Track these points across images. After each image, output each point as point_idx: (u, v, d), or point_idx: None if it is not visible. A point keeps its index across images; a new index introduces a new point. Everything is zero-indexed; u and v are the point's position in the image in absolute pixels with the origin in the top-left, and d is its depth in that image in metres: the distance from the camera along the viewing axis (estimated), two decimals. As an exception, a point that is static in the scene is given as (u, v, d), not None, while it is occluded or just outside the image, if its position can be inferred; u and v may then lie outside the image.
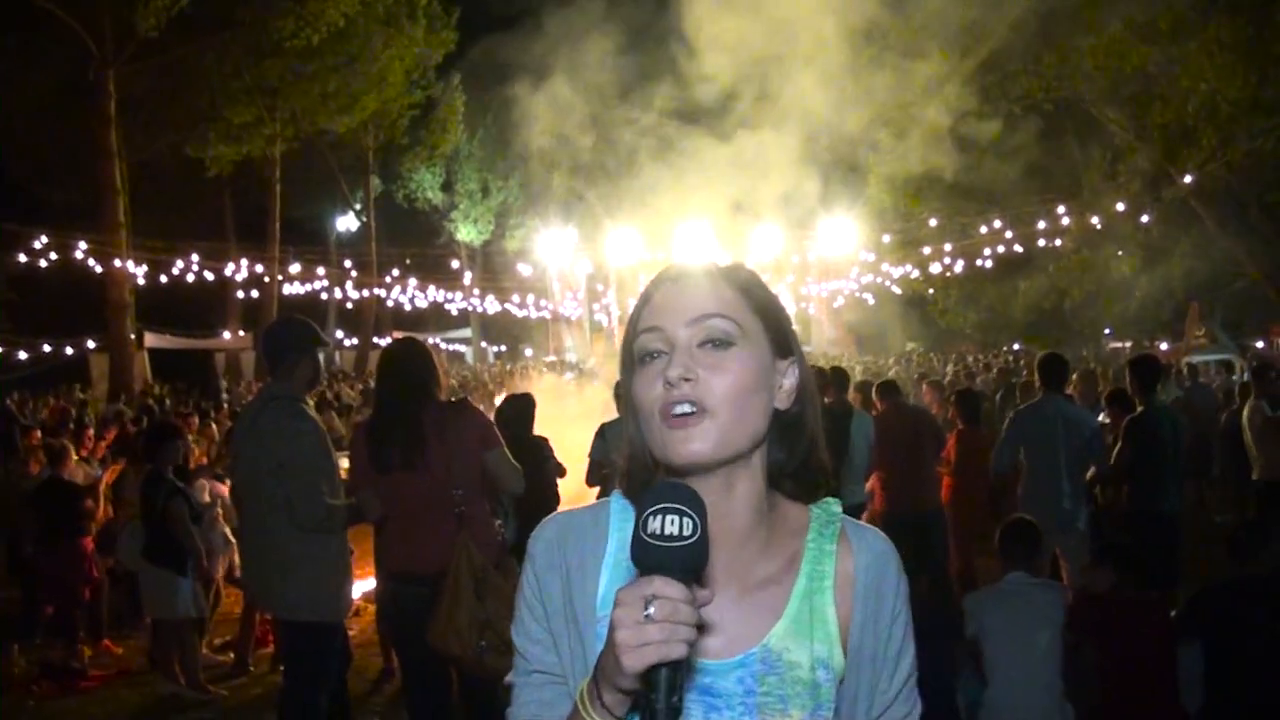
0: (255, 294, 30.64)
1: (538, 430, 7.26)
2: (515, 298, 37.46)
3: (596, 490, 6.99)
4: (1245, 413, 10.31)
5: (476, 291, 38.02)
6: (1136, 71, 19.05)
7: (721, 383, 1.30)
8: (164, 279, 25.04)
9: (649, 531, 1.12)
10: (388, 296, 34.58)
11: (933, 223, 25.86)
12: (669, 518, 1.12)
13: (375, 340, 33.99)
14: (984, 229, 24.29)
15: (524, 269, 34.41)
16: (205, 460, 9.26)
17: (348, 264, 34.10)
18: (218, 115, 24.29)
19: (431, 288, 35.03)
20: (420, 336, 7.33)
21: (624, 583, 1.17)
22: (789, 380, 1.40)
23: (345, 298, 33.91)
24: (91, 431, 11.09)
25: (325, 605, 4.47)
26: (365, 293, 33.43)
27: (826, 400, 7.53)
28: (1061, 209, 22.33)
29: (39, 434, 10.18)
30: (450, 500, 4.19)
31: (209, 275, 26.82)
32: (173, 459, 6.84)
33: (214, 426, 11.61)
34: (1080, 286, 24.75)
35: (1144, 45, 18.56)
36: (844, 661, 1.36)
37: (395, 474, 4.23)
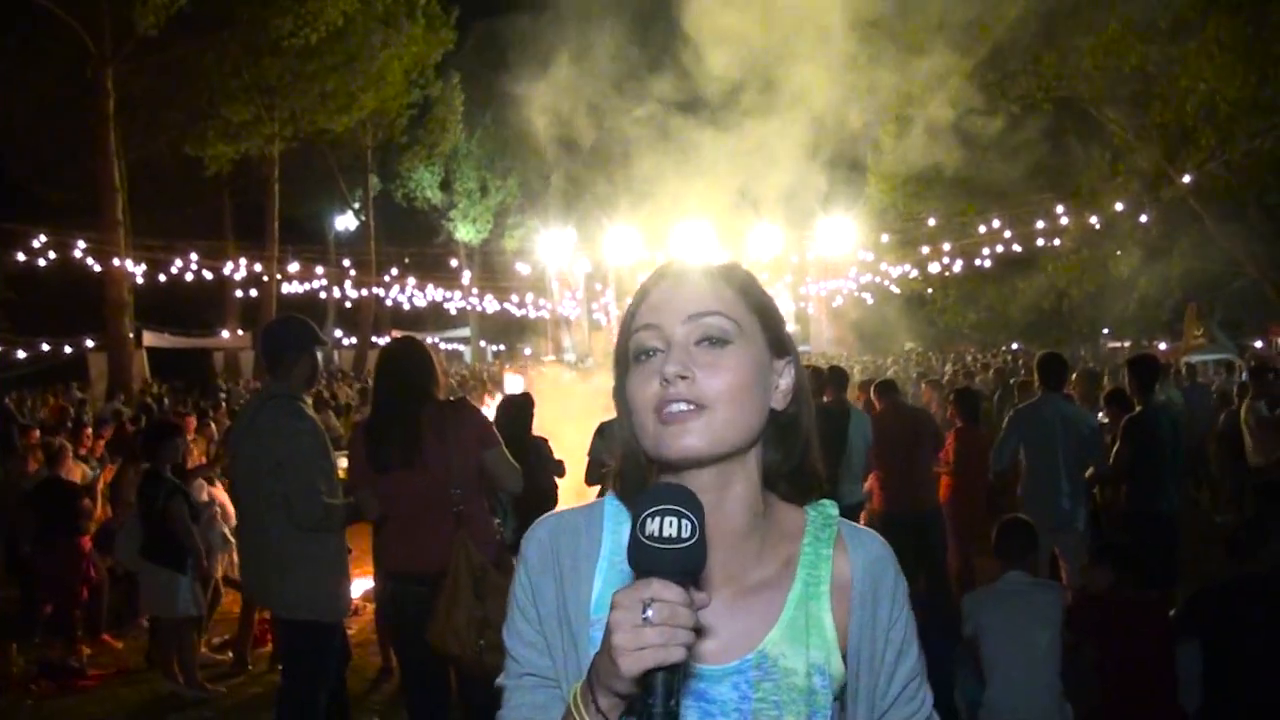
0: (254, 293, 30.65)
1: (538, 428, 7.26)
2: (514, 297, 37.48)
3: (596, 489, 6.98)
4: (1242, 413, 10.34)
5: (475, 291, 38.03)
6: (1135, 71, 19.07)
7: (719, 381, 1.28)
8: (162, 278, 25.06)
9: (647, 533, 1.11)
10: (386, 295, 34.59)
11: (931, 222, 25.89)
12: (667, 519, 1.11)
13: (374, 339, 34.01)
14: (983, 228, 24.30)
15: (522, 268, 34.44)
16: (204, 459, 9.25)
17: (346, 263, 34.12)
18: (216, 114, 24.29)
19: (430, 287, 35.05)
20: (419, 335, 7.34)
21: (618, 585, 1.16)
22: (785, 380, 1.39)
23: (344, 297, 33.93)
24: (90, 431, 11.08)
25: (323, 604, 4.47)
26: (364, 292, 33.44)
27: (825, 400, 7.53)
28: (1060, 208, 22.35)
29: (37, 433, 10.18)
30: (449, 499, 4.19)
31: (207, 274, 26.84)
32: (171, 458, 6.85)
33: (212, 425, 11.60)
34: (1079, 286, 24.77)
35: (1143, 45, 18.58)
36: (843, 667, 1.34)
37: (394, 473, 4.23)
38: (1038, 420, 6.83)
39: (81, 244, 21.09)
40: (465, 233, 40.32)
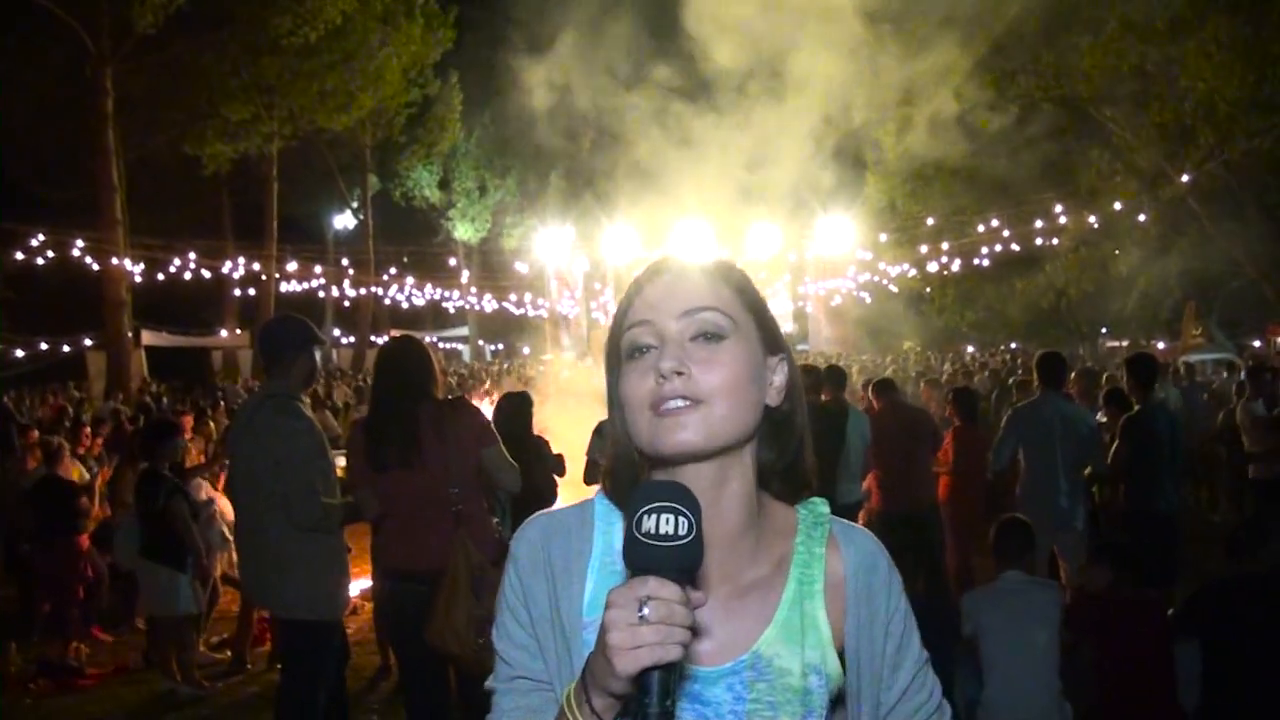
0: (252, 292, 30.68)
1: (538, 426, 7.27)
2: (512, 296, 37.48)
3: (595, 488, 6.97)
4: (1238, 413, 10.35)
5: (474, 290, 38.03)
6: (1134, 71, 19.07)
7: (714, 377, 1.27)
8: (161, 277, 25.06)
9: (643, 530, 1.09)
10: (385, 295, 34.61)
11: (930, 221, 25.90)
12: (664, 516, 1.09)
13: (372, 338, 34.01)
14: (981, 228, 24.31)
15: (521, 267, 34.44)
16: (202, 458, 9.25)
17: (345, 262, 34.13)
18: (215, 113, 24.27)
19: (429, 286, 35.06)
20: (417, 335, 7.32)
21: (610, 586, 1.13)
22: (779, 377, 1.38)
23: (342, 296, 33.94)
24: (88, 430, 11.07)
25: (322, 603, 4.46)
26: (362, 291, 33.44)
27: (823, 399, 7.53)
28: (1059, 208, 22.36)
29: (36, 433, 10.16)
30: (447, 498, 4.19)
31: (206, 273, 26.84)
32: (170, 457, 6.84)
33: (211, 424, 11.59)
34: (1078, 285, 24.78)
35: (1142, 44, 18.57)
36: (839, 666, 1.34)
37: (392, 472, 4.23)
38: (1036, 419, 6.83)
39: (80, 243, 21.07)
40: (464, 232, 40.31)
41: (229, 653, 7.38)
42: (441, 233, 40.37)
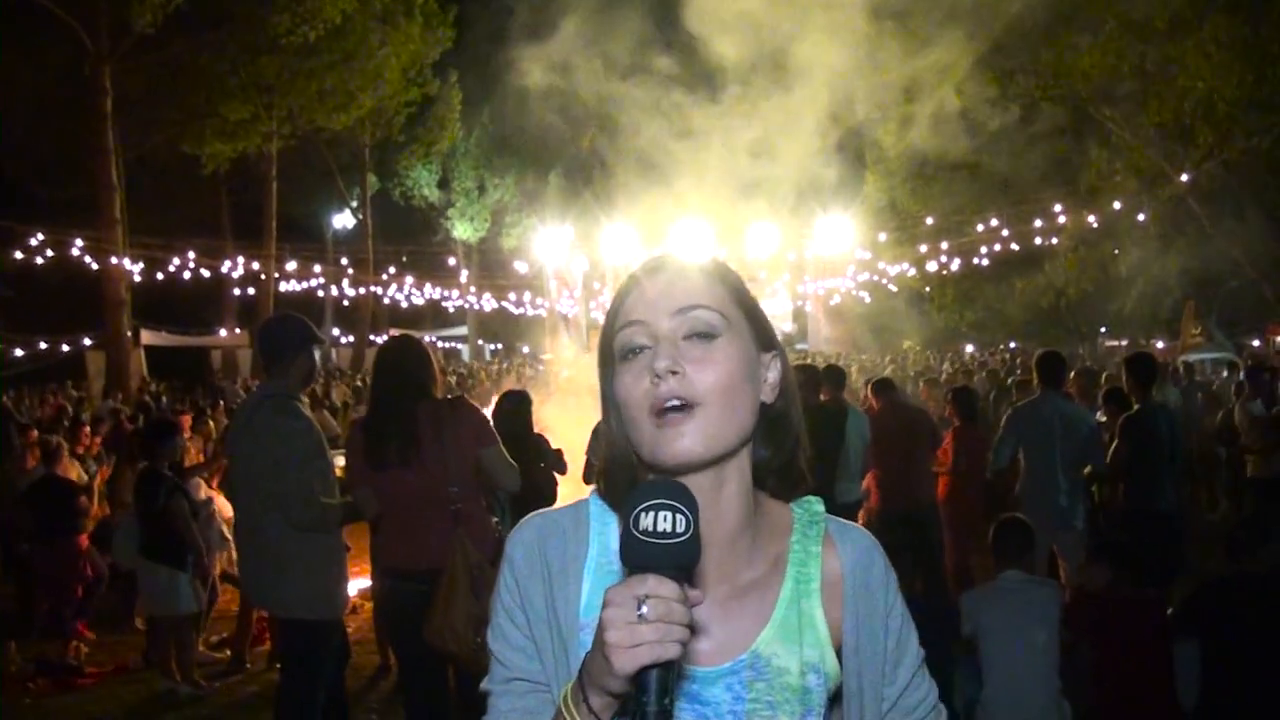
0: (251, 291, 30.67)
1: (539, 425, 7.27)
2: (512, 295, 37.47)
3: (593, 488, 6.96)
4: (1236, 413, 10.36)
5: (473, 289, 38.03)
6: (1134, 70, 19.08)
7: (710, 376, 1.26)
8: (160, 276, 25.06)
9: (640, 528, 1.09)
10: (384, 294, 34.61)
11: (930, 221, 25.89)
12: (661, 514, 1.09)
13: (372, 338, 34.00)
14: (981, 227, 24.31)
15: (520, 267, 34.42)
16: (200, 457, 9.25)
17: (344, 261, 34.16)
18: (214, 112, 24.25)
19: (428, 285, 35.07)
20: (416, 334, 7.32)
21: (607, 587, 1.13)
22: (773, 374, 1.37)
23: (342, 295, 33.95)
24: (87, 429, 11.07)
25: (321, 603, 4.46)
26: (362, 290, 33.45)
27: (822, 399, 7.52)
28: (1059, 207, 22.36)
29: (36, 432, 10.17)
30: (447, 497, 4.19)
31: (205, 272, 26.85)
32: (170, 456, 6.84)
33: (211, 423, 11.59)
34: (1077, 285, 24.78)
35: (1141, 44, 18.58)
36: (837, 664, 1.34)
37: (391, 471, 4.23)
38: (1036, 418, 6.83)
39: (79, 242, 21.06)
40: (463, 231, 40.29)
41: (228, 652, 7.39)
42: (441, 232, 40.35)
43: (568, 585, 1.33)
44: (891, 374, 16.18)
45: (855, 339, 37.24)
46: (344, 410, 16.96)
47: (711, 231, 23.24)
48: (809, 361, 12.34)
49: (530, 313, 38.06)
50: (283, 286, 30.57)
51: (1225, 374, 17.52)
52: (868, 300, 34.70)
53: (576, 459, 7.29)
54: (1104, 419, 8.38)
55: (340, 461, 5.10)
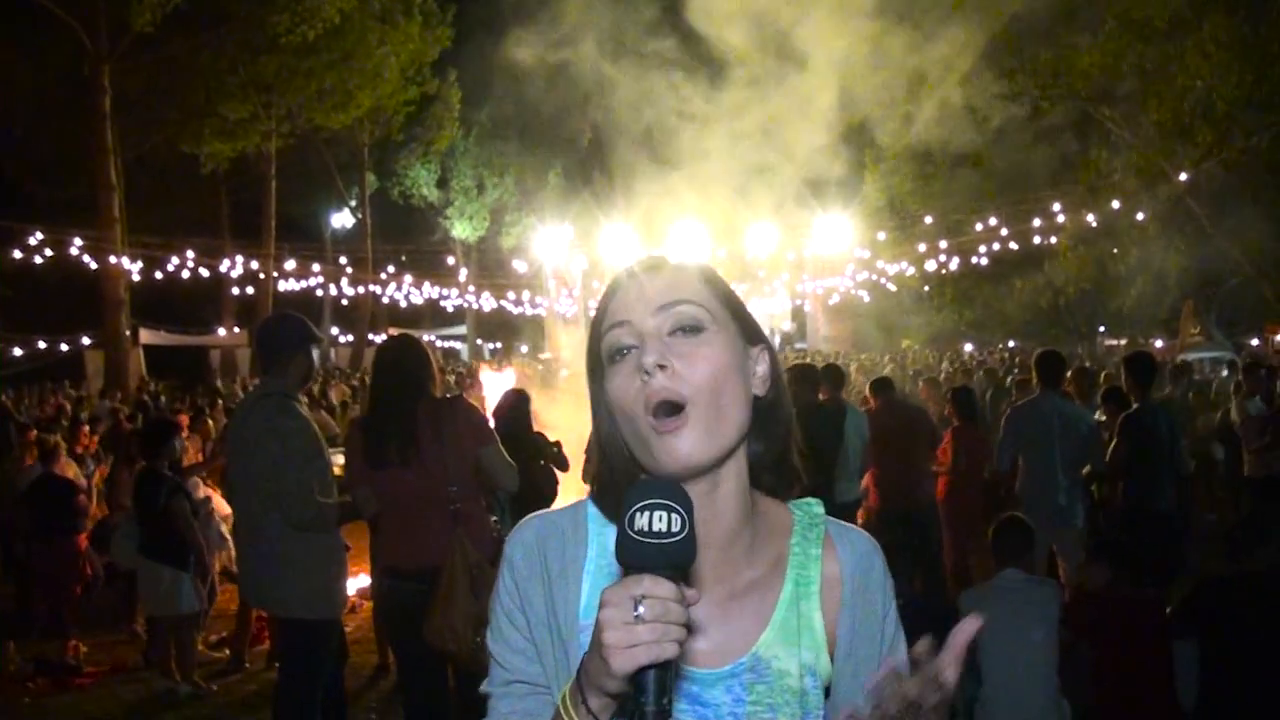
0: (250, 290, 30.69)
1: (539, 425, 7.28)
2: (510, 295, 37.47)
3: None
4: (1233, 411, 10.36)
5: (472, 288, 38.03)
6: (1133, 69, 19.07)
7: (699, 369, 1.26)
8: (159, 275, 25.06)
9: (636, 528, 1.09)
10: (383, 293, 34.61)
11: (929, 220, 25.90)
12: (656, 514, 1.09)
13: (370, 337, 33.99)
14: (980, 226, 24.31)
15: (519, 266, 34.42)
16: (200, 457, 9.25)
17: (343, 260, 34.16)
18: (213, 111, 24.25)
19: (427, 284, 35.06)
20: (415, 333, 7.33)
21: (603, 587, 1.13)
22: (762, 366, 1.37)
23: (340, 294, 33.95)
24: (86, 429, 11.07)
25: (320, 602, 4.46)
26: (360, 289, 33.45)
27: (821, 398, 7.52)
28: (1058, 206, 22.36)
29: (35, 432, 10.16)
30: (446, 497, 4.19)
31: (204, 272, 26.85)
32: (170, 456, 6.84)
33: (210, 423, 11.58)
34: (1076, 284, 24.78)
35: (1140, 44, 18.57)
36: (830, 667, 1.34)
37: (391, 470, 4.23)
38: (1035, 418, 6.83)
39: (78, 241, 21.06)
40: (462, 230, 40.26)
41: (227, 651, 7.39)
42: (440, 231, 40.32)
43: (567, 587, 1.33)
44: (891, 373, 16.18)
45: (854, 338, 37.27)
46: (342, 410, 16.95)
47: (710, 230, 23.24)
48: (808, 361, 12.33)
49: (529, 312, 38.08)
50: (281, 286, 30.58)
51: (1225, 373, 17.52)
52: (867, 299, 34.72)
53: (576, 458, 7.29)
54: (1103, 418, 8.39)
55: (339, 461, 5.10)
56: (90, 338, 26.53)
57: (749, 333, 1.37)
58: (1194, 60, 17.64)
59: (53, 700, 6.75)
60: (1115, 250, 23.42)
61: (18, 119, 23.88)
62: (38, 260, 21.42)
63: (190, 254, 25.70)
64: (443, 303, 38.38)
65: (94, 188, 21.69)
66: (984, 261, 25.94)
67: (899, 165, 26.90)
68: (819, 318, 38.78)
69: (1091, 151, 21.59)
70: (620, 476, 1.34)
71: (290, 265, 30.60)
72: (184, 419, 10.56)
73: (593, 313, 1.40)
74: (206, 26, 22.68)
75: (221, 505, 7.41)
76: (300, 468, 4.33)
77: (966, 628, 1.23)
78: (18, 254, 21.24)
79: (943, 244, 26.03)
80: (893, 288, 31.50)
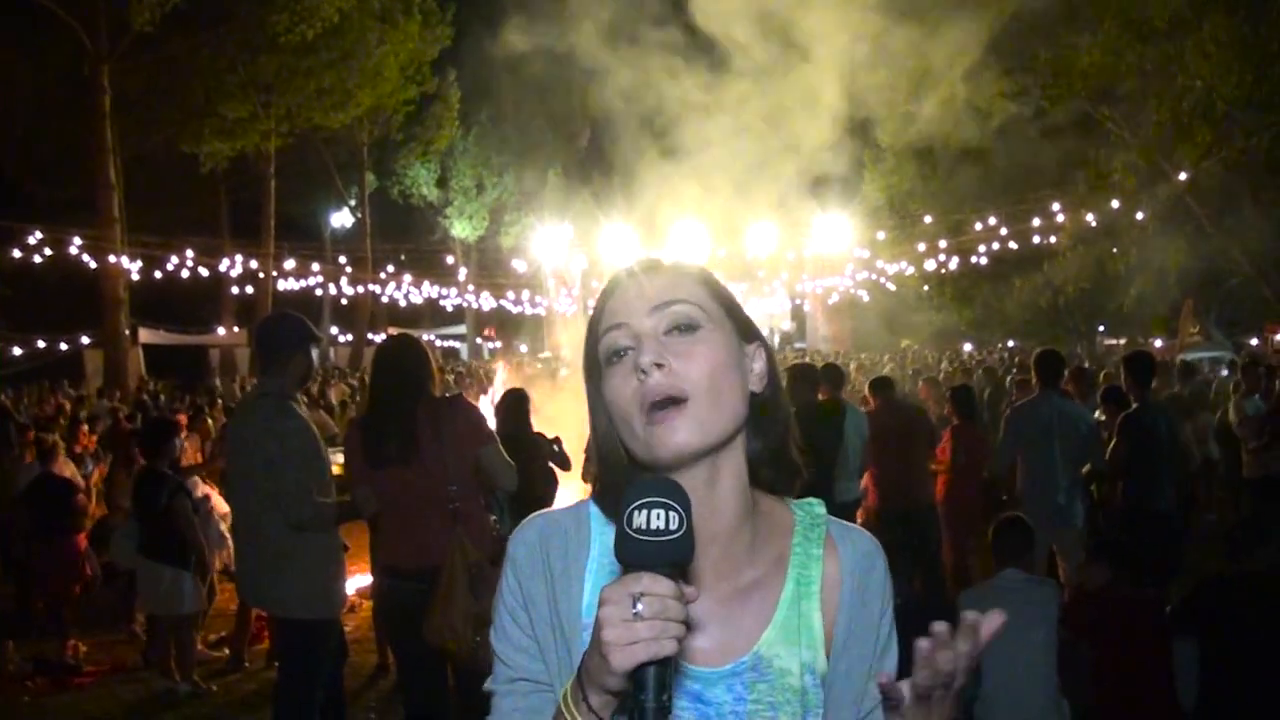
0: (250, 290, 30.70)
1: (542, 426, 7.29)
2: (510, 294, 37.48)
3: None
4: (1230, 411, 10.36)
5: (471, 288, 38.04)
6: (1133, 69, 19.08)
7: (695, 368, 1.27)
8: (158, 275, 25.07)
9: (634, 526, 1.10)
10: (383, 292, 34.63)
11: (928, 219, 25.90)
12: (654, 512, 1.10)
13: (370, 336, 34.00)
14: (979, 226, 24.32)
15: (519, 265, 34.43)
16: (198, 456, 9.25)
17: (342, 260, 34.17)
18: (212, 111, 24.25)
19: (426, 284, 35.08)
20: (415, 332, 7.34)
21: (602, 585, 1.14)
22: (758, 364, 1.38)
23: (340, 294, 33.95)
24: (85, 428, 11.08)
25: (319, 602, 4.46)
26: (360, 289, 33.46)
27: (821, 398, 7.51)
28: (1057, 205, 22.37)
29: (32, 431, 10.16)
30: (445, 496, 4.19)
31: (203, 271, 26.86)
32: (170, 455, 6.83)
33: (209, 422, 11.58)
34: (1075, 284, 24.80)
35: (1140, 43, 18.58)
36: (827, 665, 1.34)
37: (390, 469, 4.23)
38: (1035, 417, 6.83)
39: (77, 241, 21.06)
40: (461, 230, 40.27)
41: (227, 651, 7.38)
42: (439, 230, 40.33)
43: (570, 585, 1.34)
44: (890, 372, 16.17)
45: (854, 337, 37.27)
46: (341, 409, 16.95)
47: (710, 230, 23.24)
48: (807, 360, 12.32)
49: (529, 311, 38.09)
50: (281, 285, 30.59)
51: (1225, 373, 17.52)
52: (866, 299, 34.72)
53: (576, 456, 7.30)
54: (1103, 418, 8.39)
55: (338, 460, 5.10)
56: (90, 337, 26.53)
57: (745, 330, 1.39)
58: (1194, 60, 17.66)
59: (52, 700, 6.75)
60: (1115, 250, 23.42)
61: (18, 118, 23.89)
62: (37, 259, 21.43)
63: (189, 253, 25.70)
64: (442, 302, 38.40)
65: (93, 187, 21.70)
66: (983, 261, 25.95)
67: (899, 165, 26.93)
68: (818, 317, 38.80)
69: (1091, 151, 21.60)
70: (619, 476, 1.34)
71: (289, 265, 30.62)
72: (183, 418, 10.57)
73: (591, 313, 1.41)
74: (206, 26, 22.68)
75: (220, 503, 7.40)
76: (298, 467, 4.33)
77: (993, 622, 1.22)
78: (17, 253, 21.24)
79: (942, 243, 26.04)
80: (892, 287, 31.51)
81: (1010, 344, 33.23)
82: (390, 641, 5.46)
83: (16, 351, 26.48)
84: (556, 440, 7.33)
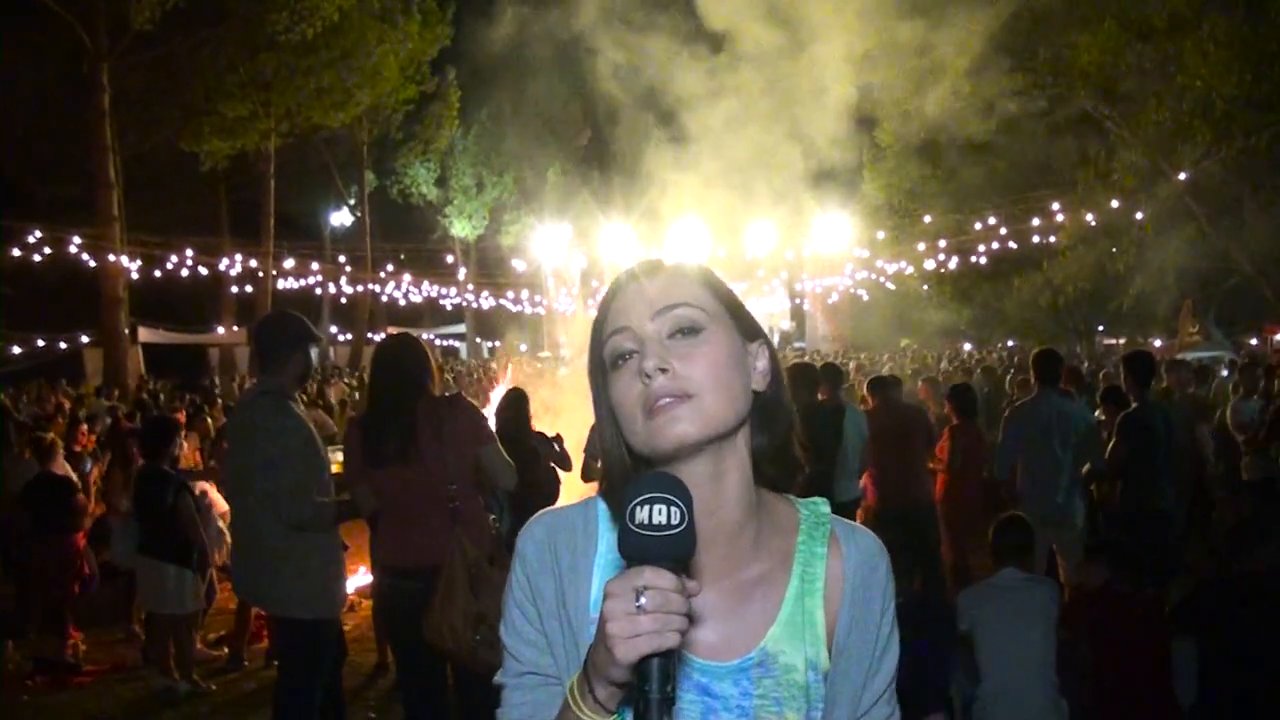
0: (249, 289, 30.72)
1: (543, 425, 7.29)
2: (510, 293, 37.49)
3: (594, 485, 6.96)
4: (1228, 411, 10.35)
5: (471, 287, 38.04)
6: (1132, 68, 19.08)
7: (698, 369, 1.29)
8: (158, 274, 25.10)
9: (636, 522, 1.12)
10: (382, 292, 34.65)
11: (927, 219, 25.90)
12: (656, 507, 1.12)
13: (369, 335, 34.01)
14: (978, 225, 24.31)
15: (518, 264, 34.44)
16: (197, 455, 9.25)
17: (342, 259, 34.18)
18: (212, 110, 24.23)
19: (426, 283, 35.09)
20: (414, 332, 7.32)
21: (606, 580, 1.16)
22: (761, 362, 1.40)
23: (339, 293, 33.97)
24: (84, 428, 11.07)
25: (318, 601, 4.46)
26: (359, 288, 33.48)
27: (820, 397, 7.52)
28: (1056, 205, 22.37)
29: (32, 430, 10.16)
30: (445, 495, 4.19)
31: (203, 270, 26.89)
32: (171, 455, 6.83)
33: (209, 421, 11.58)
34: (1075, 283, 24.79)
35: (1139, 42, 18.58)
36: (829, 661, 1.36)
37: (390, 468, 4.23)
38: (1034, 417, 6.82)
39: (77, 239, 21.08)
40: (461, 229, 40.29)
41: (226, 650, 7.38)
42: (439, 230, 40.34)
43: (578, 580, 1.37)
44: (889, 372, 16.17)
45: (853, 337, 37.26)
46: (340, 408, 16.95)
47: (709, 230, 23.24)
48: (806, 360, 12.32)
49: (529, 310, 38.09)
50: (280, 284, 30.60)
51: (1225, 372, 17.53)
52: (865, 298, 34.72)
53: (576, 454, 7.30)
54: (1102, 417, 8.38)
55: (337, 459, 5.10)
56: (89, 336, 26.54)
57: (747, 329, 1.40)
58: (1193, 59, 17.65)
59: (51, 698, 6.75)
60: (1115, 250, 23.41)
61: (17, 117, 23.88)
62: (37, 258, 21.45)
63: (189, 252, 25.73)
64: (442, 301, 38.42)
65: (93, 186, 21.70)
66: (983, 260, 25.95)
67: (899, 165, 26.93)
68: (818, 316, 38.81)
69: (1091, 150, 21.60)
70: (625, 475, 1.36)
71: (289, 264, 30.64)
72: (181, 417, 10.56)
73: (592, 312, 1.42)
74: (206, 25, 22.67)
75: (219, 501, 7.40)
76: (297, 467, 4.33)
77: None
78: (17, 252, 21.25)
79: (942, 243, 26.05)
80: (892, 286, 31.51)
81: (1010, 343, 33.25)
82: (390, 640, 5.46)
83: (16, 350, 26.47)
84: (557, 438, 7.34)
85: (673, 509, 1.12)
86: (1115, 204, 20.90)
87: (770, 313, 38.92)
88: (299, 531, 4.35)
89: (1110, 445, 7.07)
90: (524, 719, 1.37)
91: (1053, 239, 23.33)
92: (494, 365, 28.58)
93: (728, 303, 1.40)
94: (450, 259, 39.51)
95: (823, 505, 1.46)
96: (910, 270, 28.95)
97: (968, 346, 35.03)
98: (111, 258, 21.45)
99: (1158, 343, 27.66)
